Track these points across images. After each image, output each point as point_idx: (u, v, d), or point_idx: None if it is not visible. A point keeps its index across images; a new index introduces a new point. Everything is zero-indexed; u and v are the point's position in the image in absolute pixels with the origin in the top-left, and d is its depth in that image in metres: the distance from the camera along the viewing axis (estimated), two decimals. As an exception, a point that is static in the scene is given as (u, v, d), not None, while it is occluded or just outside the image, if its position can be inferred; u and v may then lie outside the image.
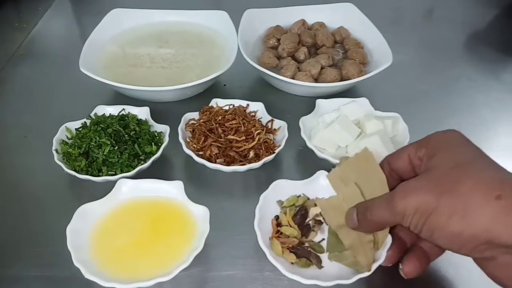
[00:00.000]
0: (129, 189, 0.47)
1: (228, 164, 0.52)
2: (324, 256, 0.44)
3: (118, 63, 0.69)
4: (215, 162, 0.52)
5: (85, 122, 0.56)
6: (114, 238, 0.44)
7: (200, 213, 0.44)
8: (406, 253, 0.40)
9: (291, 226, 0.45)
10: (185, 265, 0.39)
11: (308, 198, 0.48)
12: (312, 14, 0.78)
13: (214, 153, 0.53)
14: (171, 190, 0.47)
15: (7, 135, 0.62)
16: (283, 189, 0.47)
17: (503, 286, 0.32)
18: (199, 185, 0.54)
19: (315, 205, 0.46)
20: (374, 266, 0.40)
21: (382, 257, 0.40)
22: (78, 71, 0.61)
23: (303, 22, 0.76)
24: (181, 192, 0.47)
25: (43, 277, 0.44)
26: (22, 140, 0.60)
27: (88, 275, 0.38)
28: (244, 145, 0.54)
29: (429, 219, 0.31)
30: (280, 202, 0.47)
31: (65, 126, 0.55)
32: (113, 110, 0.58)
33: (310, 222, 0.46)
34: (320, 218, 0.46)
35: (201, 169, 0.53)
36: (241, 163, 0.52)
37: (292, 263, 0.42)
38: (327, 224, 0.45)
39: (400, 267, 0.40)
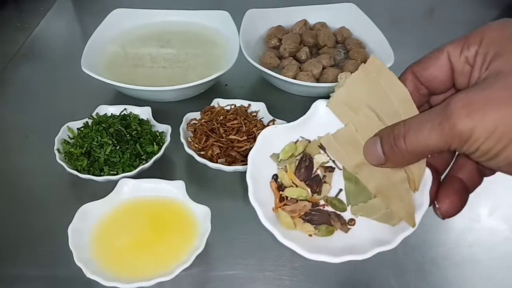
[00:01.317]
0: (130, 189, 0.47)
1: (229, 164, 0.52)
2: (348, 214, 0.33)
3: (119, 63, 0.70)
4: (217, 162, 0.52)
5: (87, 121, 0.56)
6: (115, 237, 0.44)
7: (201, 213, 0.44)
8: (439, 186, 0.31)
9: (296, 186, 0.34)
10: (186, 265, 0.39)
11: (309, 141, 0.35)
12: (313, 14, 0.78)
13: (215, 153, 0.53)
14: (173, 190, 0.47)
15: (9, 135, 0.62)
16: (275, 139, 0.35)
17: None
18: (200, 185, 0.54)
19: (320, 146, 0.34)
20: (418, 217, 0.30)
21: (425, 202, 0.30)
22: (80, 71, 0.61)
23: (304, 22, 0.76)
24: (182, 192, 0.47)
25: (44, 276, 0.44)
26: (24, 140, 0.60)
27: (89, 275, 0.38)
28: (246, 145, 0.54)
29: None
30: (275, 156, 0.35)
31: (67, 126, 0.55)
32: (114, 110, 0.58)
33: (319, 173, 0.35)
34: (331, 163, 0.35)
35: (202, 169, 0.53)
36: (242, 163, 0.52)
37: (310, 235, 0.32)
38: (340, 169, 0.34)
39: (436, 205, 0.30)
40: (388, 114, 0.31)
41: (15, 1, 0.97)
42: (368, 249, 0.29)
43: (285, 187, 0.34)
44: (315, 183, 0.34)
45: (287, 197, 0.33)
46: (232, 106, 0.60)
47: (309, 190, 0.34)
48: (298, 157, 0.35)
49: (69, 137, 0.55)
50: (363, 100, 0.32)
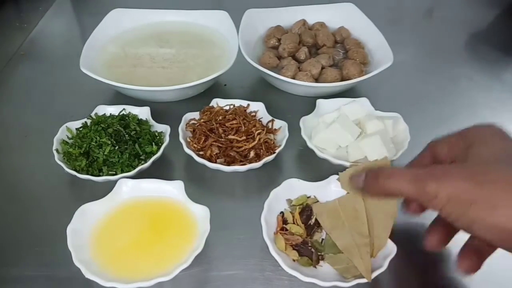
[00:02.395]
0: (129, 189, 0.47)
1: (228, 164, 0.52)
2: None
3: (118, 63, 0.70)
4: (216, 162, 0.52)
5: (85, 122, 0.56)
6: (115, 238, 0.44)
7: (200, 213, 0.44)
8: (462, 249, 0.39)
9: (297, 225, 0.45)
10: (185, 265, 0.39)
11: (318, 201, 0.48)
12: (312, 14, 0.78)
13: (214, 153, 0.53)
14: (172, 190, 0.47)
15: (8, 135, 0.62)
16: (294, 188, 0.48)
17: None
18: (199, 185, 0.54)
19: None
20: (374, 275, 0.40)
21: (384, 265, 0.40)
22: (79, 71, 0.61)
23: (303, 22, 0.76)
24: (181, 192, 0.47)
25: (43, 276, 0.44)
26: (22, 140, 0.60)
27: (88, 275, 0.38)
28: (245, 145, 0.54)
29: (470, 211, 0.29)
30: (289, 201, 0.48)
31: (66, 126, 0.55)
32: (113, 110, 0.58)
33: (313, 222, 0.46)
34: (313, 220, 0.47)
35: (201, 169, 0.53)
36: (241, 163, 0.52)
37: (294, 260, 0.43)
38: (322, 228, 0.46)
39: (457, 265, 0.39)
40: (373, 204, 0.44)
41: (14, 1, 0.97)
42: (330, 280, 0.40)
43: (288, 222, 0.46)
44: (311, 228, 0.46)
45: (287, 229, 0.45)
46: (231, 106, 0.60)
47: (305, 231, 0.45)
48: (304, 206, 0.47)
49: (67, 137, 0.55)
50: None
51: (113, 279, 0.38)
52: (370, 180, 0.35)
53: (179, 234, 0.44)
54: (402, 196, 0.33)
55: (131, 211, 0.46)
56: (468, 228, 0.30)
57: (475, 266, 0.37)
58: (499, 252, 0.47)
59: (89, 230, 0.44)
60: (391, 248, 0.42)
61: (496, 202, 0.28)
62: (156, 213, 0.46)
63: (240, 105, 0.60)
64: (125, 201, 0.47)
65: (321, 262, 0.43)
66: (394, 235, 0.43)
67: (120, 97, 0.65)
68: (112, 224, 0.45)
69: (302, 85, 0.62)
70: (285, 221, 0.46)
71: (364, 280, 0.40)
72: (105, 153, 0.51)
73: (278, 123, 0.58)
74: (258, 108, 0.59)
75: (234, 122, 0.56)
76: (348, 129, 0.54)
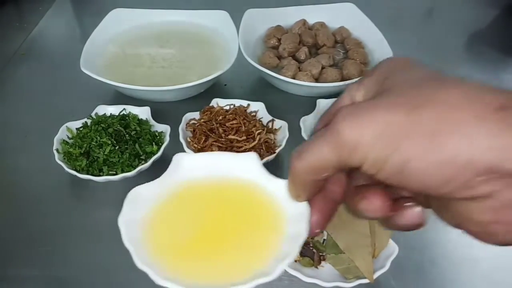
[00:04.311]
0: (189, 167, 0.34)
1: (228, 164, 0.52)
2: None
3: (119, 63, 0.70)
4: (216, 162, 0.52)
5: (86, 122, 0.56)
6: (179, 230, 0.31)
7: (282, 189, 0.30)
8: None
9: None
10: (291, 257, 0.26)
11: None
12: (312, 14, 0.78)
13: (214, 153, 0.53)
14: (243, 165, 0.33)
15: (8, 135, 0.62)
16: None
17: (489, 235, 0.22)
18: (199, 185, 0.54)
19: None
20: (376, 275, 0.40)
21: (386, 265, 0.40)
22: (79, 71, 0.61)
23: (303, 22, 0.76)
24: (256, 165, 0.33)
25: (43, 276, 0.44)
26: (22, 140, 0.60)
27: (160, 281, 0.25)
28: (245, 145, 0.54)
29: (401, 147, 0.21)
30: None
31: (66, 126, 0.55)
32: (114, 110, 0.58)
33: None
34: None
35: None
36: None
37: (295, 260, 0.43)
38: None
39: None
40: None
41: (14, 0, 0.96)
42: (331, 280, 0.40)
43: None
44: None
45: None
46: (231, 106, 0.60)
47: None
48: None
49: (68, 137, 0.55)
50: None
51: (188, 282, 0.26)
52: (293, 162, 0.25)
53: (264, 221, 0.30)
54: (328, 168, 0.24)
55: (194, 195, 0.33)
56: (399, 174, 0.21)
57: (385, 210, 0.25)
58: (500, 252, 0.47)
59: (141, 221, 0.31)
60: (393, 248, 0.42)
61: (436, 129, 0.20)
62: (227, 195, 0.33)
63: (240, 105, 0.60)
64: (185, 182, 0.33)
65: (323, 263, 0.43)
66: (396, 235, 0.43)
67: (120, 97, 0.65)
68: (173, 212, 0.32)
69: (302, 85, 0.62)
70: None
71: (366, 281, 0.40)
72: (105, 153, 0.51)
73: (278, 123, 0.58)
74: (258, 108, 0.59)
75: (234, 122, 0.56)
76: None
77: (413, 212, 0.24)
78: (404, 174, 0.21)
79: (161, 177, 0.33)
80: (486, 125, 0.19)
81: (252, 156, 0.33)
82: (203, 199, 0.33)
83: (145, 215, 0.31)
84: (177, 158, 0.34)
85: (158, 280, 0.25)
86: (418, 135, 0.20)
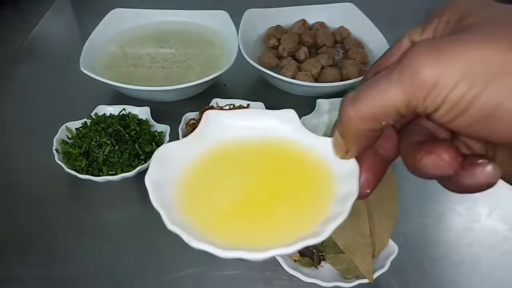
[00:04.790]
0: (224, 125, 0.30)
1: (228, 164, 0.52)
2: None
3: (118, 63, 0.70)
4: (216, 162, 0.52)
5: (85, 122, 0.56)
6: (213, 194, 0.27)
7: (329, 149, 0.26)
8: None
9: None
10: (342, 217, 0.22)
11: None
12: (312, 14, 0.78)
13: (214, 153, 0.53)
14: (283, 123, 0.30)
15: (8, 135, 0.62)
16: None
17: None
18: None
19: None
20: (376, 275, 0.40)
21: (386, 265, 0.40)
22: (79, 71, 0.61)
23: (303, 22, 0.76)
24: (296, 124, 0.30)
25: (43, 276, 0.44)
26: (22, 140, 0.60)
27: (195, 244, 0.22)
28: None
29: (493, 86, 0.17)
30: None
31: (66, 126, 0.55)
32: (113, 110, 0.58)
33: None
34: None
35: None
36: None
37: (295, 260, 0.43)
38: None
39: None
40: (375, 202, 0.43)
41: (14, 1, 0.96)
42: (331, 280, 0.40)
43: None
44: None
45: None
46: (231, 106, 0.60)
47: None
48: None
49: (67, 137, 0.55)
50: None
51: (225, 247, 0.23)
52: (345, 109, 0.21)
53: (310, 180, 0.27)
54: (388, 115, 0.20)
55: (231, 155, 0.30)
56: (478, 122, 0.18)
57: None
58: (499, 252, 0.47)
59: (173, 183, 0.27)
60: (392, 248, 0.42)
61: None
62: (269, 155, 0.29)
63: (240, 105, 0.60)
64: (221, 141, 0.30)
65: (323, 263, 0.43)
66: (396, 235, 0.43)
67: (120, 97, 0.65)
68: (207, 173, 0.28)
69: (302, 85, 0.62)
70: None
71: (365, 281, 0.40)
72: (105, 153, 0.51)
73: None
74: (258, 108, 0.59)
75: (234, 122, 0.56)
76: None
77: (486, 170, 0.19)
78: (491, 120, 0.18)
79: (191, 135, 0.30)
80: None
81: (292, 113, 0.30)
82: (241, 159, 0.29)
83: (175, 175, 0.27)
84: (209, 114, 0.30)
85: (192, 242, 0.22)
86: None
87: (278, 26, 0.76)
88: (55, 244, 0.46)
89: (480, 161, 0.19)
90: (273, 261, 0.42)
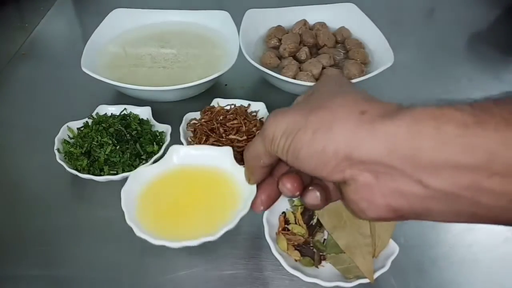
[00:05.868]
0: (179, 156, 0.45)
1: (229, 163, 0.52)
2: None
3: (119, 63, 0.70)
4: (217, 162, 0.52)
5: (87, 121, 0.56)
6: (161, 200, 0.43)
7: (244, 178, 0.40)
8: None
9: (299, 225, 0.46)
10: (230, 226, 0.37)
11: None
12: (313, 14, 0.78)
13: (215, 153, 0.53)
14: (220, 157, 0.44)
15: (9, 135, 0.62)
16: None
17: (359, 212, 0.28)
18: (200, 185, 0.54)
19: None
20: (376, 275, 0.40)
21: (386, 265, 0.40)
22: (80, 71, 0.61)
23: (304, 22, 0.76)
24: (229, 158, 0.44)
25: (44, 276, 0.44)
26: (23, 140, 0.60)
27: (139, 233, 0.37)
28: (246, 145, 0.54)
29: (295, 138, 0.28)
30: (291, 201, 0.49)
31: (67, 126, 0.55)
32: (114, 109, 0.58)
33: (315, 222, 0.47)
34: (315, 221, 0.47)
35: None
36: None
37: (296, 260, 0.43)
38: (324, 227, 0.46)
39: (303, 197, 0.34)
40: None
41: (15, 0, 0.97)
42: (331, 280, 0.40)
43: (290, 223, 0.46)
44: (313, 228, 0.46)
45: (289, 229, 0.45)
46: (232, 106, 0.60)
47: (307, 231, 0.46)
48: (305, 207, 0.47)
49: (69, 137, 0.55)
50: None
51: (160, 237, 0.38)
52: (244, 154, 0.35)
53: (224, 198, 0.42)
54: (263, 156, 0.32)
55: (180, 176, 0.45)
56: (296, 159, 0.28)
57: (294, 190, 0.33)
58: (500, 253, 0.47)
59: (138, 192, 0.43)
60: (393, 248, 0.42)
61: (318, 126, 0.27)
62: (203, 177, 0.45)
63: (241, 105, 0.60)
64: (175, 166, 0.45)
65: (323, 262, 0.43)
66: (396, 236, 0.43)
67: (121, 97, 0.65)
68: (159, 188, 0.44)
69: (303, 85, 0.62)
70: (287, 221, 0.46)
71: (366, 280, 0.40)
72: (106, 152, 0.52)
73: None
74: (259, 108, 0.60)
75: (235, 122, 0.56)
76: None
77: (312, 194, 0.31)
78: (299, 159, 0.28)
79: (159, 162, 0.45)
80: (347, 125, 0.26)
81: (228, 150, 0.44)
82: (186, 179, 0.44)
83: (141, 189, 0.43)
84: (173, 148, 0.45)
85: (139, 234, 0.37)
86: (307, 131, 0.27)
87: (279, 26, 0.76)
88: (56, 244, 0.46)
89: (310, 188, 0.31)
90: (273, 260, 0.42)
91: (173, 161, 0.46)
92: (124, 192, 0.42)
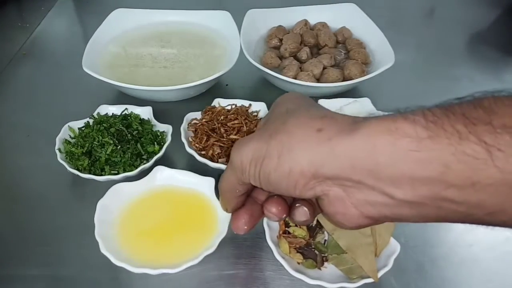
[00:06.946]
0: (163, 177, 0.48)
1: (230, 163, 0.52)
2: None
3: (120, 62, 0.70)
4: (217, 162, 0.52)
5: (88, 121, 0.56)
6: (141, 220, 0.45)
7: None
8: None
9: (300, 227, 0.46)
10: (211, 250, 0.40)
11: None
12: (314, 14, 0.78)
13: (216, 153, 0.53)
14: (202, 184, 0.48)
15: (10, 135, 0.62)
16: None
17: (338, 223, 0.29)
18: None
19: None
20: (380, 274, 0.40)
21: (389, 264, 0.40)
22: (81, 71, 0.61)
23: (305, 22, 0.76)
24: (211, 187, 0.48)
25: (45, 276, 0.44)
26: (25, 140, 0.60)
27: (118, 263, 0.39)
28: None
29: (263, 164, 0.28)
30: None
31: (68, 126, 0.55)
32: (115, 109, 0.59)
33: (315, 224, 0.47)
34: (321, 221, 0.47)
35: (203, 169, 0.53)
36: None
37: (298, 263, 0.43)
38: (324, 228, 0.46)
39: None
40: None
41: (16, 0, 0.97)
42: (335, 281, 0.40)
43: (290, 225, 0.46)
44: (313, 230, 0.46)
45: (290, 232, 0.45)
46: (233, 106, 0.60)
47: (308, 233, 0.46)
48: None
49: (70, 136, 0.55)
50: None
51: (140, 265, 0.39)
52: (219, 187, 0.35)
53: (203, 223, 0.45)
54: (237, 185, 0.32)
55: (160, 197, 0.47)
56: (268, 184, 0.29)
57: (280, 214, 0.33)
58: (500, 252, 0.47)
59: (118, 209, 0.44)
60: (394, 247, 0.42)
61: (280, 150, 0.28)
62: (184, 202, 0.47)
63: (242, 105, 0.60)
64: (157, 187, 0.48)
65: (326, 264, 0.43)
66: (396, 235, 0.43)
67: (122, 97, 0.65)
68: (141, 207, 0.46)
69: (304, 85, 0.62)
70: (287, 224, 0.46)
71: (370, 280, 0.40)
72: (107, 152, 0.52)
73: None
74: (259, 108, 0.60)
75: (236, 122, 0.56)
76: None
77: (301, 210, 0.31)
78: (270, 183, 0.29)
79: (140, 180, 0.46)
80: (307, 145, 0.26)
81: (210, 180, 0.48)
82: (166, 201, 0.47)
83: (119, 206, 0.44)
84: (156, 169, 0.48)
85: (117, 262, 0.38)
86: (272, 156, 0.28)
87: (280, 26, 0.76)
88: (57, 244, 0.46)
89: (297, 205, 0.31)
90: (273, 260, 0.42)
91: (156, 181, 0.48)
92: (101, 206, 0.42)
